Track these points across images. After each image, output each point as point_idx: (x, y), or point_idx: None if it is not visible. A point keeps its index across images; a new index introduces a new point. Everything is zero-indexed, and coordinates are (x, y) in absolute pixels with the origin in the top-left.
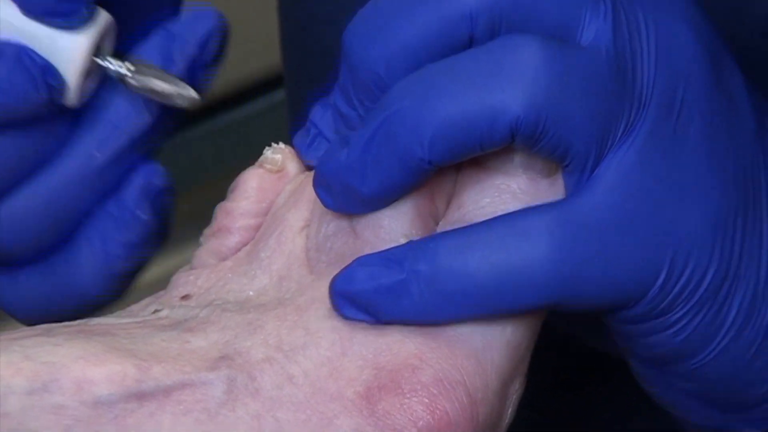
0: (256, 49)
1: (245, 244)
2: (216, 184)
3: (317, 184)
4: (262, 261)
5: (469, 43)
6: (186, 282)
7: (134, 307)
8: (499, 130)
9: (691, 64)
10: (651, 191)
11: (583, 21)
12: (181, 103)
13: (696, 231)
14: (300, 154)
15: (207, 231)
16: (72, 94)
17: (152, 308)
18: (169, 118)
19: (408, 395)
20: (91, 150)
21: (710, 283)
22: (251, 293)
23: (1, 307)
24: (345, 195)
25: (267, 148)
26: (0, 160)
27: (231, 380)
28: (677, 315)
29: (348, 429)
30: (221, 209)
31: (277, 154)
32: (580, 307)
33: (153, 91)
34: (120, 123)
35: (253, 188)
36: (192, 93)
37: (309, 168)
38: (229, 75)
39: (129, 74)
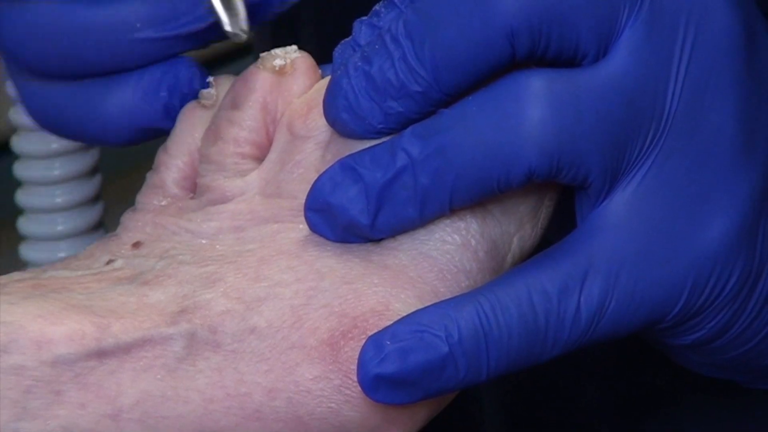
0: None
1: (185, 180)
2: None
3: (312, 208)
4: (208, 208)
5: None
6: (134, 227)
7: (84, 253)
8: (515, 180)
9: (723, 71)
10: (668, 212)
11: (619, 31)
12: (227, 31)
13: (719, 246)
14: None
15: (149, 173)
16: None
17: (105, 258)
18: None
19: None
20: (135, 21)
21: (731, 289)
22: (203, 242)
23: (27, 111)
24: (347, 230)
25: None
26: None
27: (191, 334)
28: (694, 321)
29: (310, 377)
30: (161, 148)
31: (213, 89)
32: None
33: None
34: (174, 16)
35: (187, 124)
36: (239, 30)
37: None
38: None
39: None
